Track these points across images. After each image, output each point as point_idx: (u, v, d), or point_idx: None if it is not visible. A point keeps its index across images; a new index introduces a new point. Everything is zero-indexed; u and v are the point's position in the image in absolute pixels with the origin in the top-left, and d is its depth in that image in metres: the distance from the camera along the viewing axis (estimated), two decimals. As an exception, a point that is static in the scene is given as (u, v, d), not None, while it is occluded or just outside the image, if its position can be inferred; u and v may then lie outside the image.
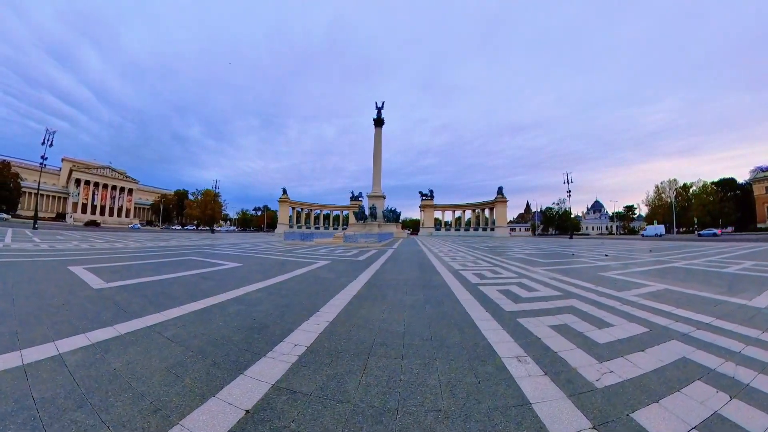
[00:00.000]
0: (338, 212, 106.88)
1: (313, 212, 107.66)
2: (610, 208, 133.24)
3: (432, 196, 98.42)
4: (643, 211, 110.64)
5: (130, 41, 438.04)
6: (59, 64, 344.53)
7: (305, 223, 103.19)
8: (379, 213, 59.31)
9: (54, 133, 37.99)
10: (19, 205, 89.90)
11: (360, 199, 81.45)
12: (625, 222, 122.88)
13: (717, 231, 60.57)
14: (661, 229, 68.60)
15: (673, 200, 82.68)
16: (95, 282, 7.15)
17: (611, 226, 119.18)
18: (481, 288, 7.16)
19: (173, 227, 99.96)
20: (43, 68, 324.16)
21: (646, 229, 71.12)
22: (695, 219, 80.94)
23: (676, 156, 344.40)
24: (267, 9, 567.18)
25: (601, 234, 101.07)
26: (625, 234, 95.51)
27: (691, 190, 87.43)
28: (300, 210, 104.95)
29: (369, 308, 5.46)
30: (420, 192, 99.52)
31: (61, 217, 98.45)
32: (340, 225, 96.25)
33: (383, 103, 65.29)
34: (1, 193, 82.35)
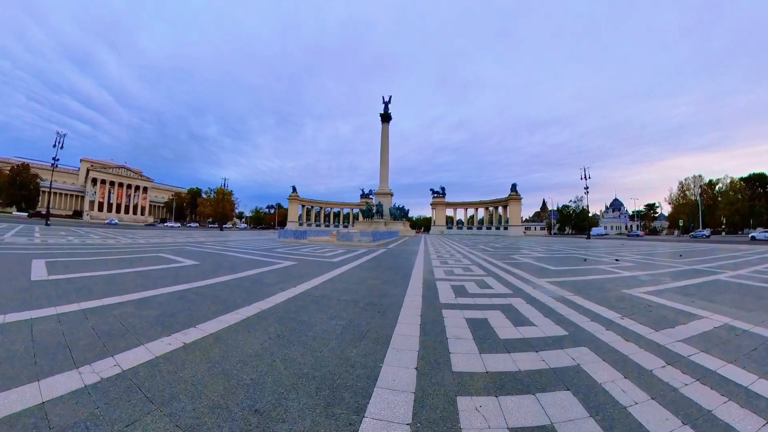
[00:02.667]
0: (348, 210, 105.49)
1: (324, 210, 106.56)
2: (630, 206, 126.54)
3: (443, 194, 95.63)
4: (665, 209, 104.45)
5: (145, 45, 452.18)
6: (79, 69, 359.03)
7: (315, 221, 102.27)
8: (386, 210, 57.70)
9: (64, 135, 40.12)
10: (38, 204, 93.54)
11: (370, 196, 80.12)
12: (647, 221, 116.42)
13: (640, 233, 72.39)
14: (601, 230, 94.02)
15: (698, 198, 76.84)
16: (39, 274, 7.31)
17: (631, 226, 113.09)
18: (445, 313, 5.03)
19: (169, 224, 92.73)
20: (64, 73, 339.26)
21: (592, 230, 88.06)
22: (723, 219, 75.22)
23: (700, 151, 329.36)
24: (279, 7, 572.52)
25: (620, 234, 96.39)
26: (646, 234, 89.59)
27: (717, 187, 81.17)
28: (310, 207, 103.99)
29: (255, 333, 4.05)
30: (431, 189, 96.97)
31: (78, 214, 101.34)
32: (351, 223, 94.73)
33: (390, 98, 63.40)
34: (21, 193, 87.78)
